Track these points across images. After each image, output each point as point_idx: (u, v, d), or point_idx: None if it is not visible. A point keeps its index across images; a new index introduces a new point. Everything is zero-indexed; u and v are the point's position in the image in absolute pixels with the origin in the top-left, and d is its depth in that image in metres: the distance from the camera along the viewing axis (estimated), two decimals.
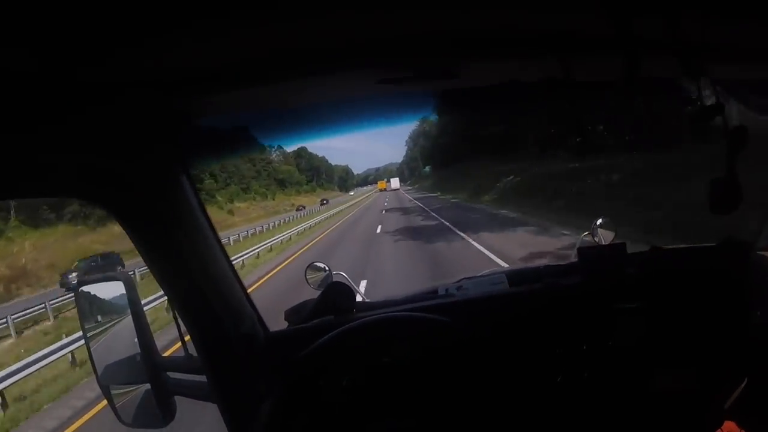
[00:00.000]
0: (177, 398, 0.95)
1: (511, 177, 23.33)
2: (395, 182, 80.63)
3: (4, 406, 5.80)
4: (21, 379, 6.04)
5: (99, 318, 1.00)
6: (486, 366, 0.83)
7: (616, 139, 15.77)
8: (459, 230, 12.73)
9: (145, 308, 0.98)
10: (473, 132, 31.27)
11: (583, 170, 15.04)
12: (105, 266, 17.68)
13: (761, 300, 0.99)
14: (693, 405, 0.99)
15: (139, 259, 0.76)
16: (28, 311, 12.08)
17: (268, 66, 0.66)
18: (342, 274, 1.35)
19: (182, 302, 0.82)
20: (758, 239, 1.05)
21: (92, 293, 1.00)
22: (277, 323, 1.06)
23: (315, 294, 1.13)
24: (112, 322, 0.98)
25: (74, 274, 16.62)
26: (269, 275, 10.82)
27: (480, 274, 1.24)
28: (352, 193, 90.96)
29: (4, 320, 10.98)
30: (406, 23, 0.61)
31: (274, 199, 60.92)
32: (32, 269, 23.07)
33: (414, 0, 0.55)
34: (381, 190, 77.11)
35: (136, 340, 0.92)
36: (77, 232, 28.93)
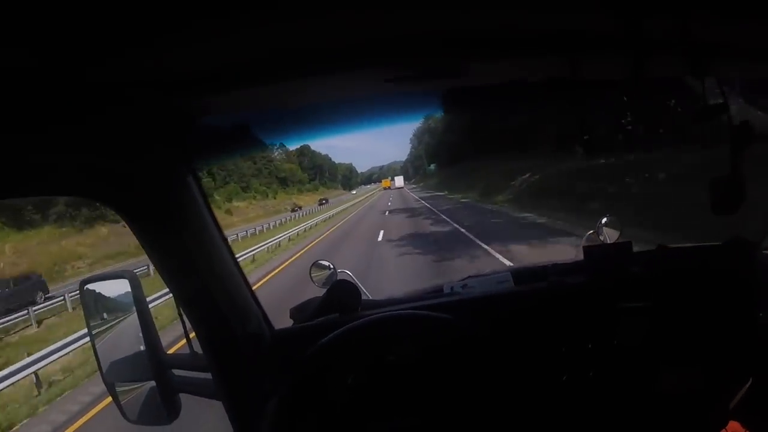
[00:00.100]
0: (182, 396, 0.96)
1: (527, 175, 21.53)
2: (399, 180, 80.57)
3: None
4: None
5: (104, 315, 1.01)
6: (491, 365, 0.83)
7: (655, 133, 13.66)
8: (481, 241, 10.03)
9: None
10: (481, 129, 30.71)
11: (618, 167, 12.94)
12: (19, 292, 14.10)
13: (767, 300, 0.99)
14: (698, 405, 0.99)
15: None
16: None
17: (273, 65, 0.67)
18: (347, 272, 1.37)
19: (189, 300, 0.84)
20: (765, 238, 1.06)
21: (97, 291, 1.01)
22: (280, 324, 1.04)
23: (319, 292, 1.14)
24: (117, 320, 0.99)
25: None
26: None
27: (485, 272, 1.25)
28: (354, 192, 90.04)
29: None
30: (411, 22, 0.62)
31: (275, 198, 59.44)
32: (10, 274, 21.03)
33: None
34: (385, 189, 77.23)
35: (141, 337, 0.93)
36: (62, 234, 27.11)
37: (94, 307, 1.02)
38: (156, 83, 0.62)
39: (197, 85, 0.66)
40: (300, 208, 46.47)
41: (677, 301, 1.00)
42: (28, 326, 11.60)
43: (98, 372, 1.01)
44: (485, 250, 9.04)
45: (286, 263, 12.18)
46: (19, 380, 5.79)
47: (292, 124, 0.95)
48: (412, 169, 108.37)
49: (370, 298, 1.24)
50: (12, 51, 0.43)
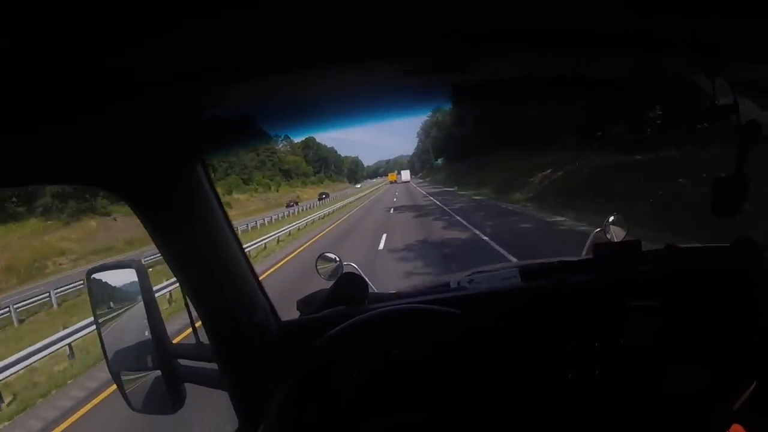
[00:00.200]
0: (186, 385, 0.97)
1: (548, 171, 19.48)
2: (406, 174, 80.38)
3: None
4: None
5: (110, 304, 1.03)
6: (497, 361, 0.84)
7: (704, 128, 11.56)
8: (519, 259, 7.12)
9: None
10: (493, 122, 29.30)
11: (665, 163, 10.84)
12: None
13: None
14: (701, 406, 1.00)
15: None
16: None
17: (281, 57, 0.67)
18: (352, 265, 1.37)
19: (196, 290, 0.86)
20: None
21: (104, 280, 1.03)
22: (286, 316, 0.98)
23: (325, 284, 1.16)
24: (123, 309, 1.00)
25: None
26: None
27: (492, 267, 1.25)
28: (358, 186, 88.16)
29: None
30: (421, 15, 0.62)
31: (277, 191, 57.94)
32: None
33: None
34: (391, 182, 76.87)
35: (146, 327, 0.94)
36: (47, 227, 25.27)
37: (100, 296, 1.04)
38: (167, 75, 0.63)
39: (209, 77, 0.67)
40: (296, 203, 43.26)
41: (686, 301, 1.00)
42: None
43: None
44: None
45: (277, 266, 10.60)
46: None
47: (298, 116, 0.95)
48: (418, 163, 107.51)
49: (377, 291, 1.24)
50: (25, 42, 0.44)
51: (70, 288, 13.72)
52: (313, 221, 21.65)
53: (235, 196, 44.38)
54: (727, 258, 1.07)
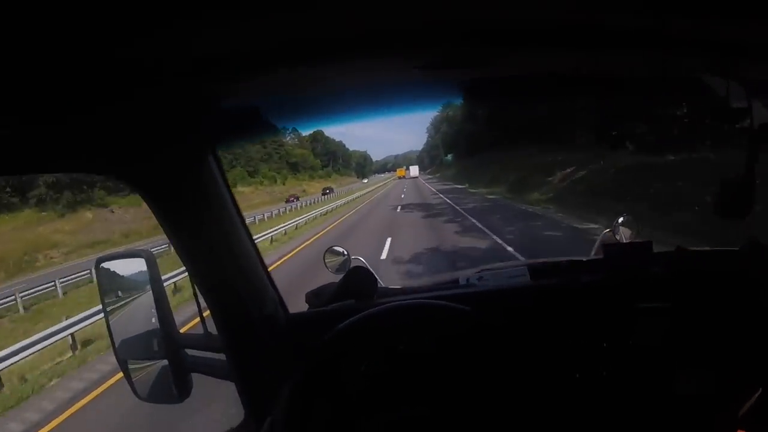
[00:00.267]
0: (193, 375, 0.98)
1: (569, 170, 18.07)
2: (414, 170, 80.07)
3: None
4: None
5: (119, 293, 1.04)
6: (505, 358, 0.85)
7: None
8: None
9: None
10: (507, 117, 28.17)
11: (706, 164, 9.58)
12: None
13: None
14: (707, 410, 1.00)
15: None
16: None
17: (295, 50, 0.67)
18: (360, 259, 1.37)
19: (207, 281, 0.86)
20: None
21: (112, 269, 1.04)
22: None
23: (333, 278, 1.17)
24: (131, 298, 1.01)
25: None
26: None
27: (500, 265, 1.26)
28: (365, 181, 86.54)
29: None
30: (435, 10, 0.61)
31: (284, 184, 57.06)
32: None
33: None
34: (399, 178, 76.77)
35: (154, 316, 0.95)
36: (41, 219, 24.34)
37: (109, 285, 1.05)
38: (180, 66, 0.63)
39: (223, 69, 0.67)
40: (297, 198, 41.72)
41: (695, 304, 1.00)
42: None
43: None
44: None
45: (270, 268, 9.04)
46: None
47: (308, 109, 0.95)
48: (428, 159, 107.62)
49: (385, 286, 1.23)
50: (38, 32, 0.45)
51: (42, 289, 12.86)
52: (315, 218, 20.33)
53: (240, 188, 43.77)
54: (738, 262, 1.07)
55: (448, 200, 22.05)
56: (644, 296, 0.99)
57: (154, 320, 0.93)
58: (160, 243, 11.44)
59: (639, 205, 10.30)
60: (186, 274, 1.01)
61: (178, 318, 1.01)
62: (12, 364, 5.77)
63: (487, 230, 10.95)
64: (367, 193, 41.29)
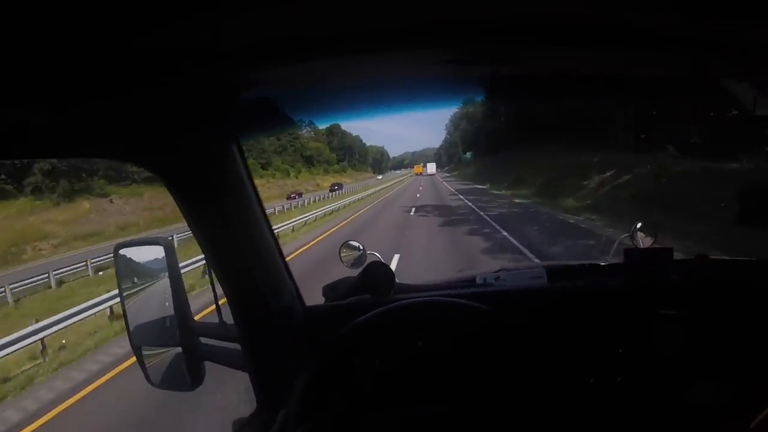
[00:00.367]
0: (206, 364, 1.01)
1: (608, 174, 15.83)
2: (431, 167, 78.54)
3: None
4: None
5: (135, 280, 1.06)
6: (520, 359, 0.85)
7: None
8: None
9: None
10: (533, 114, 25.46)
11: None
12: None
13: None
14: (719, 421, 0.98)
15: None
16: None
17: (318, 42, 0.67)
18: (375, 255, 1.35)
19: (225, 270, 0.87)
20: None
21: (129, 256, 1.06)
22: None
23: (349, 272, 1.18)
24: (147, 285, 1.03)
25: None
26: None
27: (519, 266, 1.29)
28: (380, 177, 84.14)
29: None
30: (461, 5, 0.61)
31: (297, 178, 55.43)
32: None
33: None
34: (417, 174, 75.77)
35: (170, 303, 0.97)
36: (35, 207, 22.89)
37: (126, 272, 1.07)
38: (203, 56, 0.63)
39: (246, 59, 0.67)
40: (300, 195, 38.72)
41: (715, 314, 0.98)
42: None
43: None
44: None
45: None
46: None
47: (327, 103, 0.94)
48: (445, 157, 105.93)
49: (401, 282, 1.25)
50: (61, 22, 0.46)
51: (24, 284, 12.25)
52: (315, 218, 18.31)
53: None
54: (759, 273, 1.07)
55: (469, 203, 20.19)
56: (663, 303, 1.00)
57: (168, 305, 0.95)
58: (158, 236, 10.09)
59: (700, 216, 8.31)
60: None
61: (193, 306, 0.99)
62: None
63: (527, 251, 8.48)
64: (382, 188, 40.06)
